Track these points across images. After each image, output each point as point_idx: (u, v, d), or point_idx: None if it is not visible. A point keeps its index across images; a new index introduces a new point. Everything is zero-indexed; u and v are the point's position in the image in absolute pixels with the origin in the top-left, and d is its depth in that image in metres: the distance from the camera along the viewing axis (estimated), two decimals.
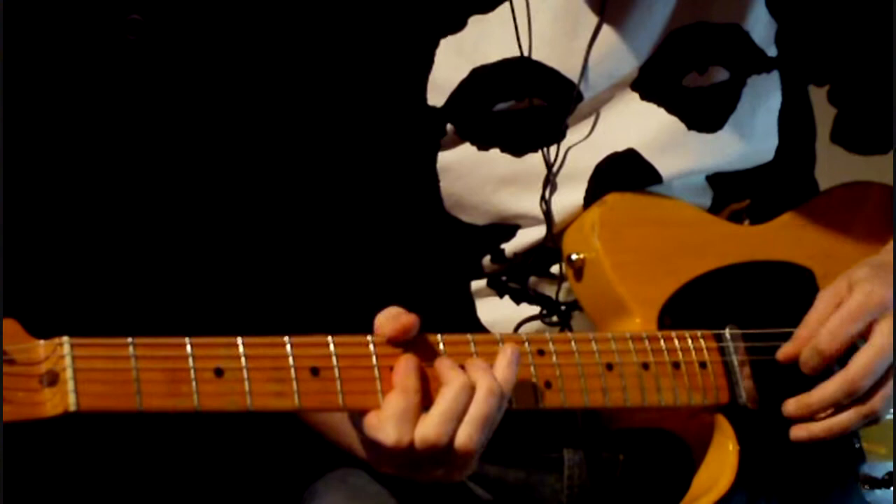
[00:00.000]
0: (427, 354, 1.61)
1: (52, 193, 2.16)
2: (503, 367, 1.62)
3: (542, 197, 1.85)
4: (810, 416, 1.78)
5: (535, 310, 1.89)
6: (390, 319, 1.61)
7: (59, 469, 2.23)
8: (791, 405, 1.79)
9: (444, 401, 1.57)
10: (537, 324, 1.89)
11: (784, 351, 1.81)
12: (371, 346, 1.59)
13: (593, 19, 1.85)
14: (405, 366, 1.58)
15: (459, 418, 1.57)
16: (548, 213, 1.85)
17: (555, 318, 1.88)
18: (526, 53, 1.84)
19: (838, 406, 1.77)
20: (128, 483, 2.26)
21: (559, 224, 1.86)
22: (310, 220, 1.88)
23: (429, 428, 1.56)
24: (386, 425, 1.55)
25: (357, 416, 1.59)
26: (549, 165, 1.85)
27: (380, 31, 1.84)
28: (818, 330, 1.79)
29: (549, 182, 1.85)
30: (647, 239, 1.85)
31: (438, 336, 1.63)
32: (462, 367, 1.60)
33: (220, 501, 2.26)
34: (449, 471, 1.61)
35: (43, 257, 2.13)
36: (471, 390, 1.58)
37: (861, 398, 1.77)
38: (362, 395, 1.57)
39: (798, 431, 1.79)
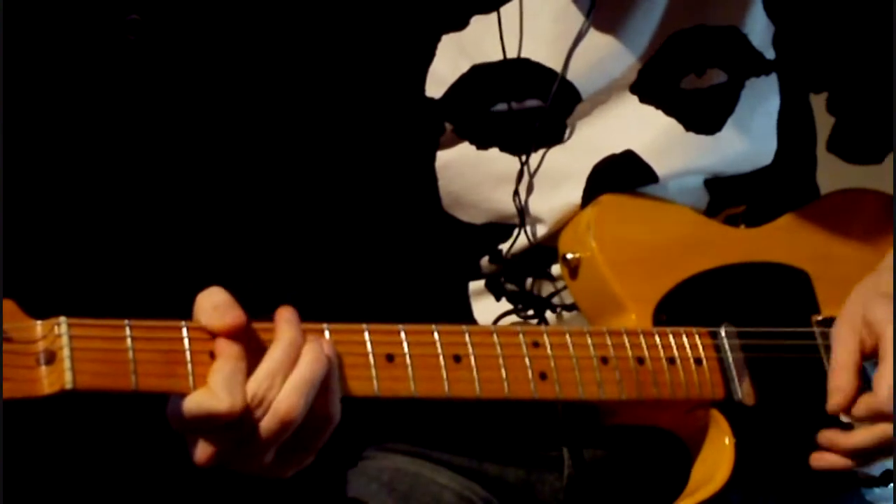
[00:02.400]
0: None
1: (53, 187, 2.17)
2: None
3: (515, 192, 1.86)
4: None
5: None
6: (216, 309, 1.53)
7: (60, 467, 2.23)
8: (827, 439, 1.80)
9: (269, 355, 1.51)
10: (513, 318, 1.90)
11: (834, 403, 1.78)
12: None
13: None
14: (226, 337, 1.51)
15: (284, 376, 1.50)
16: (521, 210, 1.86)
17: (530, 312, 1.89)
18: (526, 55, 1.85)
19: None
20: (127, 481, 2.26)
21: (557, 224, 1.87)
22: (307, 217, 1.89)
23: (255, 381, 1.49)
24: (216, 391, 1.47)
25: (175, 404, 1.50)
26: (522, 164, 1.86)
27: (381, 24, 1.85)
28: (854, 378, 1.78)
29: (521, 179, 1.86)
30: (642, 238, 1.86)
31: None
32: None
33: (218, 501, 2.26)
34: (281, 457, 1.54)
35: (43, 245, 2.15)
36: (299, 348, 1.52)
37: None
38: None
39: (820, 462, 1.80)
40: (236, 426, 1.48)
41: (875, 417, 1.77)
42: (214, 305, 1.52)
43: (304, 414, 1.50)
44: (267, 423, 1.49)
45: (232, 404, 1.46)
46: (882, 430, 1.76)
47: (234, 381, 1.47)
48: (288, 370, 1.50)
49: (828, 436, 1.80)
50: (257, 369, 1.49)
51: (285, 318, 1.54)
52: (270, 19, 1.87)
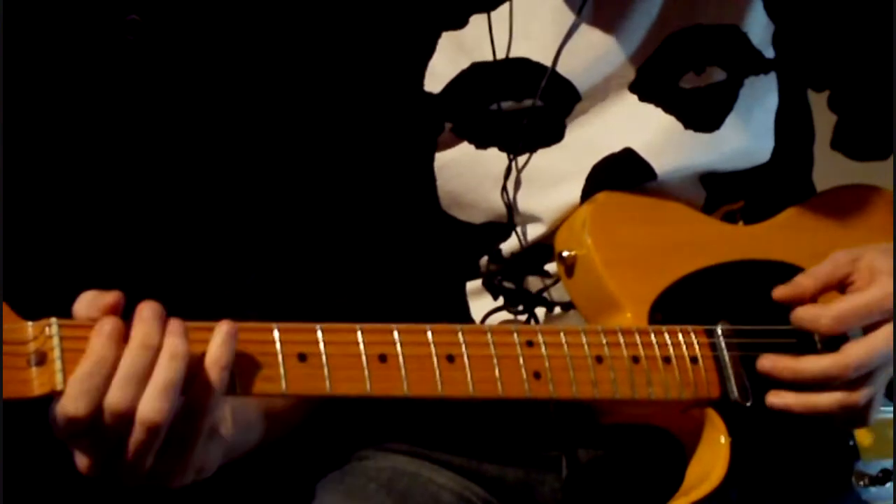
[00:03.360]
0: None
1: (49, 187, 2.17)
2: (216, 345, 1.49)
3: (503, 188, 1.86)
4: (786, 382, 1.78)
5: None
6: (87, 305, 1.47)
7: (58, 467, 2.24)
8: (769, 361, 1.78)
9: (123, 362, 1.43)
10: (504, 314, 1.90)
11: (781, 291, 1.81)
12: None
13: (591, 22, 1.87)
14: (95, 331, 1.45)
15: (141, 381, 1.43)
16: (509, 207, 1.87)
17: (519, 308, 1.89)
18: (524, 54, 1.86)
19: (818, 385, 1.77)
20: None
21: (555, 223, 1.87)
22: (306, 216, 1.89)
23: (111, 392, 1.42)
24: (72, 394, 1.41)
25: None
26: (511, 160, 1.86)
27: (381, 22, 1.86)
28: (820, 284, 1.80)
29: (509, 176, 1.86)
30: (638, 236, 1.85)
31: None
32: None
33: (219, 501, 2.26)
34: (162, 463, 1.48)
35: (36, 246, 2.15)
36: (152, 350, 1.44)
37: (845, 387, 1.76)
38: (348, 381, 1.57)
39: (774, 398, 1.78)
40: (100, 434, 1.44)
41: (813, 324, 1.77)
42: (87, 304, 1.47)
43: (169, 417, 1.45)
44: (134, 434, 1.44)
45: (87, 407, 1.42)
46: (832, 360, 1.76)
47: (90, 383, 1.42)
48: (146, 374, 1.44)
49: (771, 358, 1.78)
50: (115, 377, 1.43)
51: (140, 316, 1.47)
52: (269, 18, 1.88)
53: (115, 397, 1.42)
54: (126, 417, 1.43)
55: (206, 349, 1.48)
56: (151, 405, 1.43)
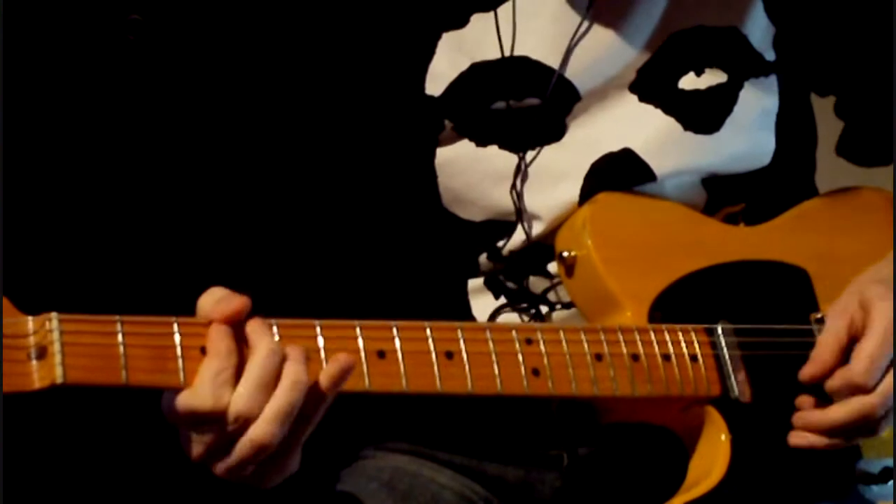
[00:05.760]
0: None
1: (49, 185, 2.18)
2: (332, 372, 1.53)
3: (513, 185, 1.87)
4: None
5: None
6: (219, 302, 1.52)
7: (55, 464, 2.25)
8: (802, 419, 1.79)
9: (251, 368, 1.49)
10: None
11: (808, 372, 1.80)
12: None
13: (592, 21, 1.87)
14: (215, 331, 1.50)
15: (270, 388, 1.48)
16: (518, 206, 1.87)
17: (524, 306, 1.90)
18: (525, 53, 1.86)
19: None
20: (127, 482, 2.27)
21: (554, 221, 1.88)
22: (308, 214, 1.90)
23: (239, 399, 1.48)
24: (200, 389, 1.47)
25: (167, 398, 1.51)
26: (520, 160, 1.86)
27: (381, 22, 1.86)
28: (836, 353, 1.79)
29: (518, 175, 1.87)
30: (638, 236, 1.86)
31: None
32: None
33: (221, 501, 2.26)
34: (261, 470, 1.53)
35: (37, 242, 2.16)
36: (279, 357, 1.50)
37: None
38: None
39: (798, 439, 1.79)
40: (221, 430, 1.49)
41: (849, 389, 1.77)
42: (217, 300, 1.53)
43: (279, 442, 1.50)
44: (241, 446, 1.49)
45: (215, 402, 1.47)
46: (858, 404, 1.76)
47: (219, 380, 1.48)
48: (271, 385, 1.49)
49: (803, 416, 1.79)
50: (240, 383, 1.49)
51: (256, 327, 1.52)
52: (270, 17, 1.88)
53: (243, 403, 1.47)
54: (248, 422, 1.48)
55: (321, 370, 1.53)
56: (264, 429, 1.48)
